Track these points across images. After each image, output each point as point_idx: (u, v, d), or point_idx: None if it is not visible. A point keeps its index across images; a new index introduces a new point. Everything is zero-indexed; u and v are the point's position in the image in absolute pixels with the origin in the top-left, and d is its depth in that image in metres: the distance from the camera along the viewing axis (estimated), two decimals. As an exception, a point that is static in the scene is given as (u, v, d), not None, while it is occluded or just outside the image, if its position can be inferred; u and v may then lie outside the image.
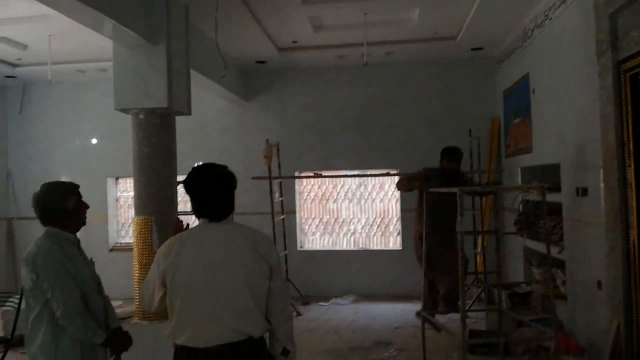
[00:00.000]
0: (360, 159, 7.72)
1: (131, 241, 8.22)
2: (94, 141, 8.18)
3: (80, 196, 2.67)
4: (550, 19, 5.08)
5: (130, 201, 8.35)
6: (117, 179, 8.28)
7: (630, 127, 3.54)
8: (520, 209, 6.15)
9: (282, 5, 5.37)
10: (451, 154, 5.73)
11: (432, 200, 4.84)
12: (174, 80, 4.75)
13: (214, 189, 2.17)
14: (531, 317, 4.80)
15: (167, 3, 4.62)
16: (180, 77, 4.89)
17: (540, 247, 5.68)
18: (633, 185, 3.53)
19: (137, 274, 4.77)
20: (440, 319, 4.60)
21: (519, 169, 6.27)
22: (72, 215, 2.61)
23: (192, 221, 2.43)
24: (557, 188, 4.99)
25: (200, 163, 2.29)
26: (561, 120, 4.90)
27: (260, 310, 2.15)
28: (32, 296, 2.48)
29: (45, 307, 2.46)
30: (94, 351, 2.58)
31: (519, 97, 6.14)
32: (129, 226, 8.39)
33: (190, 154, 7.03)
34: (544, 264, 6.00)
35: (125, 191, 8.39)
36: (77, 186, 2.69)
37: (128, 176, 8.21)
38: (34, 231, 8.49)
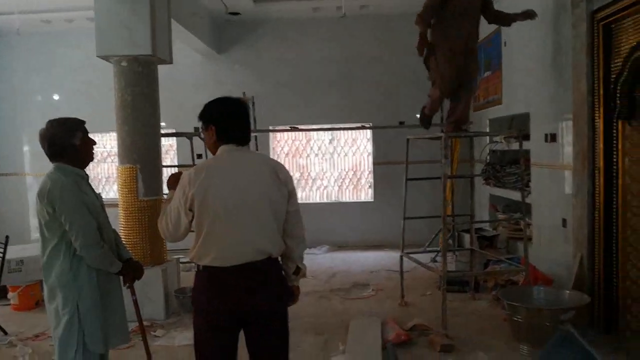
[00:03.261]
0: (335, 113, 7.83)
1: (104, 196, 8.22)
2: (56, 97, 7.98)
3: (86, 132, 2.70)
4: (524, -26, 5.27)
5: (100, 156, 8.24)
6: (86, 133, 8.11)
7: (601, 74, 3.82)
8: (488, 159, 6.50)
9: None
10: None
11: (457, 16, 4.35)
12: (157, 27, 4.69)
13: (240, 115, 2.33)
14: (504, 257, 5.20)
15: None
16: (162, 25, 4.83)
17: (506, 193, 6.07)
18: (601, 130, 3.84)
19: (122, 222, 4.80)
20: (419, 258, 4.90)
21: (488, 121, 6.57)
22: (80, 151, 2.65)
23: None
24: (526, 137, 5.30)
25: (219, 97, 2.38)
26: (532, 71, 5.17)
27: (279, 231, 2.31)
28: (48, 229, 2.54)
29: (63, 239, 2.53)
30: (109, 281, 2.69)
31: (490, 51, 6.38)
32: (99, 181, 8.30)
33: (161, 108, 6.98)
34: (510, 209, 6.43)
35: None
36: (83, 122, 2.72)
37: (97, 131, 8.06)
38: (6, 188, 8.24)
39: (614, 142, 3.78)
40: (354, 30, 7.69)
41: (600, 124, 3.86)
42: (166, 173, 7.65)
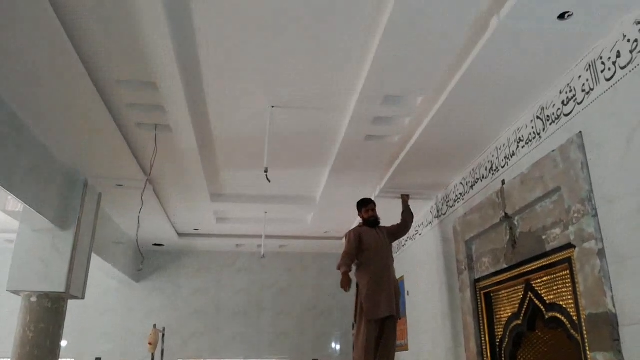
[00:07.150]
0: (248, 346, 7.74)
1: None
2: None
3: None
4: (421, 235, 6.06)
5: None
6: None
7: (487, 336, 4.21)
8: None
9: (192, 199, 5.86)
10: (368, 201, 5.03)
11: (373, 253, 4.69)
12: (76, 264, 4.78)
13: None
14: None
15: (84, 191, 4.87)
16: (81, 262, 4.92)
17: None
18: (494, 391, 4.08)
19: None
20: None
21: (398, 365, 6.71)
22: None
23: None
24: (431, 386, 5.43)
25: None
26: (432, 322, 5.55)
27: None
28: None
29: None
30: None
31: (396, 296, 6.84)
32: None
33: (64, 334, 6.62)
34: None
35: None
36: None
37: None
38: None
39: (507, 405, 4.00)
40: (271, 265, 8.12)
41: (492, 385, 4.12)
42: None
